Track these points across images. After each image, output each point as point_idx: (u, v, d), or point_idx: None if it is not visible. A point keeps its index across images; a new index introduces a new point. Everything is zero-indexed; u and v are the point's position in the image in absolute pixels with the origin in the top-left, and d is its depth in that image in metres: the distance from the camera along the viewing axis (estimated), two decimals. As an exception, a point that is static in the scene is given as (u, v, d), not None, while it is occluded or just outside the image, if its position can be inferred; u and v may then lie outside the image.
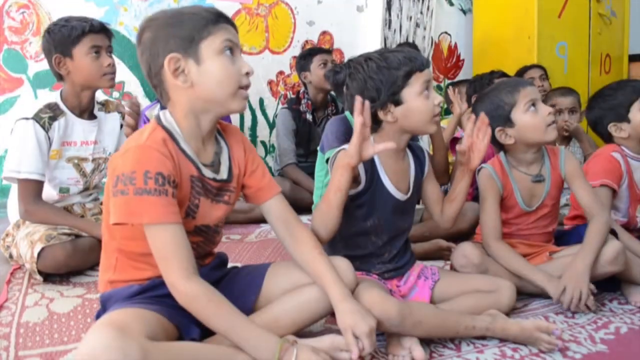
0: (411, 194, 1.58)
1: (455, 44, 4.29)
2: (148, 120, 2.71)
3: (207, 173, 1.29)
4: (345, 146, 1.46)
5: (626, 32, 4.37)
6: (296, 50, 3.67)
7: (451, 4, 4.26)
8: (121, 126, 2.11)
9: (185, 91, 1.22)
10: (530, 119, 1.71)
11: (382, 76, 1.45)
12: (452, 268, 1.75)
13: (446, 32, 4.25)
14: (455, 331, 1.39)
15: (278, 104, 3.64)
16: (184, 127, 1.25)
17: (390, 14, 3.85)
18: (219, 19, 1.23)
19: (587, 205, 1.73)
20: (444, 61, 4.25)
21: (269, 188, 1.39)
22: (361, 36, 3.83)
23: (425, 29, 4.00)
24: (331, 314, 1.40)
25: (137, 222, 1.15)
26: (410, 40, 3.90)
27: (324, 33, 3.78)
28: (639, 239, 1.96)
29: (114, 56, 2.02)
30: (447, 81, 4.25)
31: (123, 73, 3.02)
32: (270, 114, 3.62)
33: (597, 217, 1.69)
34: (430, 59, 3.98)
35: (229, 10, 3.46)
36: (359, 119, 1.32)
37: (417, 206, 2.60)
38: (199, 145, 1.28)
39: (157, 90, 1.27)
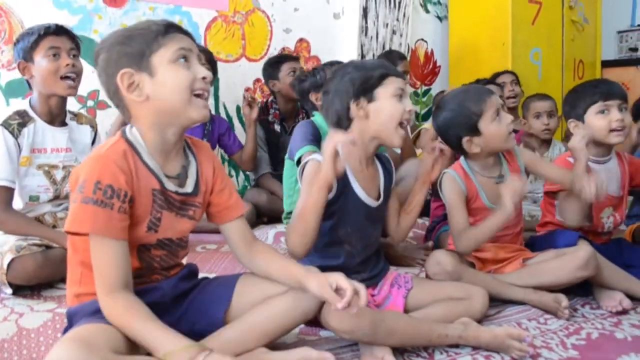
0: (382, 200, 1.58)
1: (432, 50, 4.31)
2: None
3: (170, 186, 1.27)
4: (315, 156, 1.47)
5: (598, 38, 4.44)
6: (273, 58, 3.67)
7: (427, 11, 4.29)
8: (93, 141, 2.10)
9: (143, 105, 1.22)
10: (496, 128, 1.73)
11: (357, 73, 1.50)
12: (427, 275, 1.75)
13: (422, 39, 4.28)
14: (428, 340, 1.39)
15: (256, 110, 3.62)
16: (148, 141, 1.25)
17: (366, 21, 3.86)
18: (169, 29, 1.23)
19: (558, 175, 1.79)
20: (421, 68, 4.27)
21: (234, 208, 1.39)
22: (338, 43, 3.83)
23: (401, 35, 4.02)
24: (305, 324, 1.41)
25: (79, 231, 1.16)
26: (387, 47, 3.92)
27: (300, 40, 3.78)
28: (608, 243, 2.00)
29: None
30: (424, 87, 4.28)
31: (98, 82, 2.98)
32: (247, 121, 3.61)
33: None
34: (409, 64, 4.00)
35: (205, 17, 3.45)
36: (336, 139, 1.33)
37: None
38: (165, 157, 1.28)
39: (119, 109, 1.28)
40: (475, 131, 1.74)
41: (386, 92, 1.49)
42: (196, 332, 1.28)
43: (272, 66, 3.15)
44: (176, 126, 1.26)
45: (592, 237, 1.95)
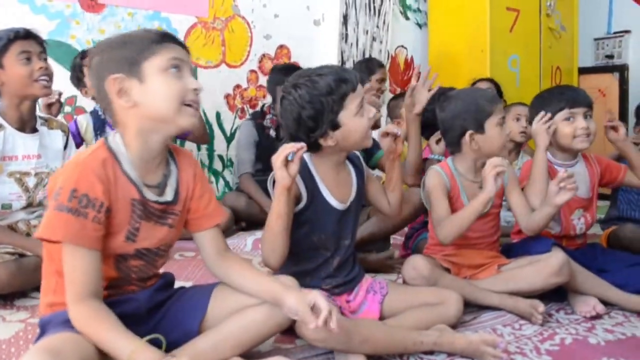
0: (352, 201, 1.58)
1: (412, 57, 4.35)
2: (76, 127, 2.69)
3: (150, 195, 1.27)
4: None
5: (575, 45, 4.50)
6: (253, 64, 3.67)
7: (407, 18, 4.33)
8: (65, 146, 2.08)
9: (131, 111, 1.21)
10: (498, 132, 1.79)
11: (315, 105, 1.42)
12: (404, 281, 1.76)
13: (402, 46, 4.31)
14: (403, 347, 1.39)
15: (235, 117, 3.62)
16: (132, 148, 1.24)
17: (346, 28, 3.88)
18: (163, 38, 1.23)
19: (515, 210, 1.84)
20: (401, 74, 4.30)
21: (211, 216, 1.38)
22: (318, 50, 3.85)
23: (381, 42, 4.05)
24: (280, 333, 1.40)
25: (51, 238, 1.15)
26: (367, 54, 3.94)
27: (281, 47, 3.79)
28: (583, 248, 2.03)
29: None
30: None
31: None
32: (227, 127, 3.60)
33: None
34: (387, 72, 4.02)
35: (184, 23, 3.44)
36: (286, 151, 1.33)
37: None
38: (146, 167, 1.27)
39: (107, 114, 1.29)
40: (480, 128, 1.78)
41: (349, 114, 1.44)
42: (171, 342, 1.27)
43: (283, 72, 3.04)
44: (162, 134, 1.25)
45: (567, 242, 1.98)
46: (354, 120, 1.45)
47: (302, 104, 1.43)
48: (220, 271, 1.37)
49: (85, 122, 2.70)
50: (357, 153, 1.67)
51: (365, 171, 1.65)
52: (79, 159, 1.20)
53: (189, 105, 1.24)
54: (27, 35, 1.92)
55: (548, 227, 1.94)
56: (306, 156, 1.53)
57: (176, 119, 1.23)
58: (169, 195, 1.31)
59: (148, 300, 1.31)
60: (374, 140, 2.26)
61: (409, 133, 2.19)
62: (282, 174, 1.34)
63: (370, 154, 2.43)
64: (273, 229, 1.39)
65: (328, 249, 1.56)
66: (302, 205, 1.50)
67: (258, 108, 3.42)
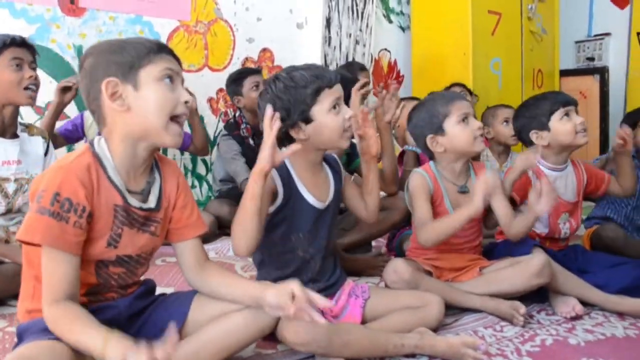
0: (331, 201, 1.59)
1: (395, 60, 4.37)
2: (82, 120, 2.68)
3: (134, 202, 1.26)
4: None
5: (556, 48, 4.55)
6: (236, 67, 3.64)
7: (390, 22, 4.35)
8: (45, 153, 2.06)
9: (122, 115, 1.22)
10: (460, 129, 1.79)
11: (289, 96, 1.45)
12: (386, 284, 1.76)
13: (386, 49, 4.33)
14: (384, 350, 1.40)
15: (219, 121, 3.60)
16: (117, 154, 1.24)
17: (329, 31, 3.89)
18: (161, 49, 1.25)
19: (502, 215, 1.82)
20: (384, 77, 4.32)
21: (193, 227, 1.37)
22: (301, 53, 3.84)
23: (365, 45, 4.06)
24: (262, 339, 1.40)
25: (31, 240, 1.14)
26: (350, 57, 3.95)
27: (264, 50, 3.79)
28: (566, 249, 2.05)
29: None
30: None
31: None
32: (211, 131, 3.58)
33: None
34: (370, 75, 4.03)
35: (166, 27, 3.42)
36: (268, 129, 1.33)
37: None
38: (131, 173, 1.27)
39: (94, 116, 1.27)
40: (439, 130, 1.80)
41: (322, 109, 1.46)
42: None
43: (235, 82, 3.08)
44: (149, 143, 1.26)
45: (550, 244, 2.00)
46: (328, 116, 1.46)
47: (278, 94, 1.46)
48: (198, 282, 1.35)
49: (91, 118, 2.64)
50: (335, 156, 1.67)
51: (342, 174, 1.66)
52: (63, 163, 1.20)
53: (177, 119, 1.24)
54: (22, 43, 1.93)
55: (535, 228, 1.98)
56: None
57: (162, 133, 1.23)
58: (152, 202, 1.30)
59: (128, 307, 1.30)
60: (353, 145, 2.27)
61: (382, 142, 2.20)
62: (266, 155, 1.32)
63: (352, 159, 2.43)
64: (247, 210, 1.34)
65: (306, 250, 1.55)
66: (278, 202, 1.49)
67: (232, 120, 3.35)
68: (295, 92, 1.45)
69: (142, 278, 1.41)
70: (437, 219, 1.77)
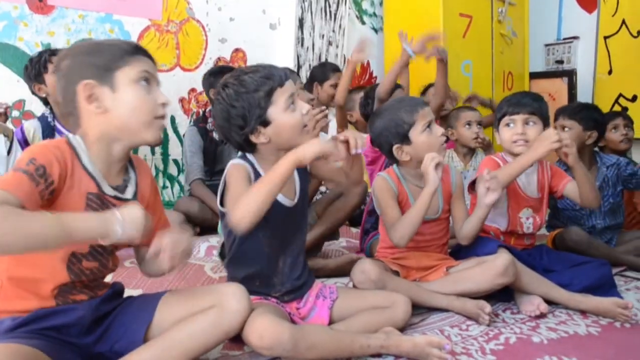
0: (298, 199, 1.59)
1: (368, 61, 4.38)
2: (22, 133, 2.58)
3: (109, 190, 1.26)
4: (239, 161, 1.49)
5: (526, 51, 4.62)
6: (208, 68, 3.63)
7: (363, 23, 4.36)
8: (9, 151, 2.02)
9: (98, 117, 1.23)
10: (426, 138, 1.80)
11: (243, 102, 1.44)
12: (354, 284, 1.77)
13: (359, 50, 4.34)
14: (350, 351, 1.40)
15: (190, 121, 3.58)
16: (93, 151, 1.25)
17: (302, 32, 3.89)
18: (136, 50, 1.26)
19: (455, 220, 1.90)
20: (357, 78, 4.33)
21: (159, 229, 1.36)
22: (274, 54, 3.83)
23: (337, 47, 4.07)
24: (229, 340, 1.39)
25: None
26: (323, 58, 3.96)
27: (236, 50, 3.77)
28: (530, 247, 2.08)
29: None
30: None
31: (23, 91, 2.87)
32: (182, 131, 3.55)
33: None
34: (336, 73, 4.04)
35: (137, 26, 3.38)
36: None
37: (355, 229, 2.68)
38: (107, 170, 1.27)
39: (69, 118, 1.27)
40: (405, 140, 1.81)
41: (278, 109, 1.45)
42: (116, 352, 1.26)
43: (214, 75, 3.06)
44: (125, 143, 1.27)
45: (515, 241, 2.05)
46: (284, 115, 1.46)
47: (231, 102, 1.46)
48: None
49: (32, 129, 2.55)
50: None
51: (308, 169, 1.66)
52: (40, 143, 1.22)
53: (158, 118, 1.27)
54: None
55: (496, 223, 2.01)
56: (250, 156, 1.55)
57: (144, 131, 1.26)
58: (128, 194, 1.31)
59: (93, 310, 1.29)
60: None
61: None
62: (313, 149, 1.34)
63: None
64: (272, 190, 1.33)
65: (275, 249, 1.55)
66: None
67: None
68: (248, 97, 1.44)
69: (111, 280, 1.40)
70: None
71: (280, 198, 1.53)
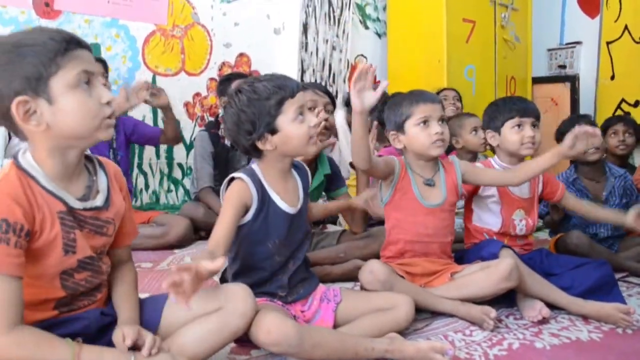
0: (301, 205, 1.62)
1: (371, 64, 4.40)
2: None
3: (76, 204, 1.21)
4: (241, 175, 1.52)
5: (529, 56, 4.64)
6: (213, 72, 3.67)
7: (367, 28, 4.39)
8: None
9: (42, 134, 1.13)
10: (418, 132, 1.85)
11: (254, 108, 1.49)
12: (361, 285, 1.79)
13: (362, 55, 4.37)
14: (354, 353, 1.42)
15: (195, 125, 3.61)
16: (47, 167, 1.17)
17: (306, 37, 3.92)
18: (67, 46, 1.10)
19: (495, 177, 1.97)
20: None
21: (129, 234, 1.39)
22: (278, 58, 3.87)
23: (341, 51, 4.10)
24: (236, 344, 1.41)
25: None
26: (327, 63, 3.99)
27: (241, 55, 3.80)
28: (528, 252, 2.10)
29: None
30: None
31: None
32: (187, 135, 3.59)
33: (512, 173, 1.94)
34: (345, 80, 4.07)
35: (143, 31, 3.42)
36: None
37: (338, 228, 2.68)
38: (65, 180, 1.21)
39: (18, 135, 1.16)
40: (400, 129, 1.88)
41: (287, 119, 1.49)
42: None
43: (224, 83, 3.11)
44: (79, 148, 1.21)
45: (508, 242, 2.05)
46: (293, 125, 1.50)
47: (242, 107, 1.50)
48: (110, 275, 1.37)
49: None
50: (302, 163, 1.72)
51: (309, 178, 1.72)
52: None
53: (107, 118, 1.19)
54: None
55: (489, 224, 2.07)
56: (254, 166, 1.57)
57: (95, 134, 1.17)
58: (99, 201, 1.26)
59: (98, 319, 1.29)
60: (338, 175, 2.35)
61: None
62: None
63: (334, 184, 2.41)
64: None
65: (283, 255, 1.58)
66: (252, 211, 1.51)
67: (214, 118, 3.41)
68: (259, 105, 1.48)
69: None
70: (400, 204, 1.87)
71: (285, 207, 1.56)
